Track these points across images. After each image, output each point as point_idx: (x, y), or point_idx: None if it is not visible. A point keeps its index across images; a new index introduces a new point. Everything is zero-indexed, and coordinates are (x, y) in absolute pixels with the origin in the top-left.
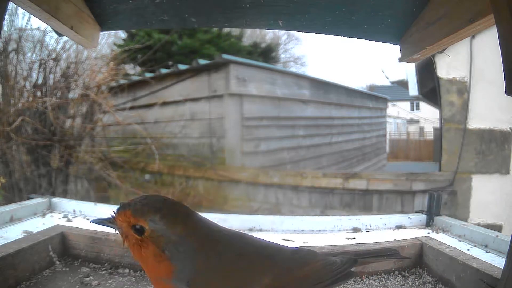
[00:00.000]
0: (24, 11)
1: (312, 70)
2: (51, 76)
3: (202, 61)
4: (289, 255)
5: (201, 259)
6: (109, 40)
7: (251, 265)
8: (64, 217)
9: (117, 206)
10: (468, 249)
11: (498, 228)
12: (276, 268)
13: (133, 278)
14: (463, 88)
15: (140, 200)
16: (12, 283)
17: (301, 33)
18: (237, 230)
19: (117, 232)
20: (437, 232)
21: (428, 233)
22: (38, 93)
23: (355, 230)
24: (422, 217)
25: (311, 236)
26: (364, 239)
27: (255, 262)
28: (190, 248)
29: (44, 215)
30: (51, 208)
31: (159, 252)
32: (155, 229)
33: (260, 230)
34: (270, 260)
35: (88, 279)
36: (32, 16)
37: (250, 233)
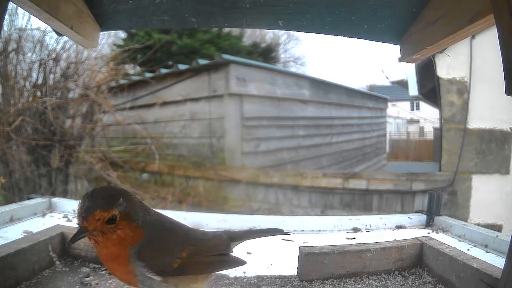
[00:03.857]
0: (24, 11)
1: (312, 70)
2: (51, 76)
3: (202, 61)
4: (201, 235)
5: (152, 228)
6: (109, 40)
7: (178, 238)
8: (64, 217)
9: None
10: (468, 249)
11: (498, 228)
12: (192, 241)
13: None
14: (463, 88)
15: (91, 199)
16: (12, 283)
17: (301, 33)
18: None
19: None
20: (437, 232)
21: (428, 233)
22: (38, 93)
23: (355, 230)
24: (422, 217)
25: (311, 236)
26: (364, 239)
27: (181, 236)
28: (149, 218)
29: (44, 215)
30: (51, 208)
31: (133, 223)
32: (124, 211)
33: None
34: (188, 236)
35: (88, 279)
36: (32, 16)
37: None
